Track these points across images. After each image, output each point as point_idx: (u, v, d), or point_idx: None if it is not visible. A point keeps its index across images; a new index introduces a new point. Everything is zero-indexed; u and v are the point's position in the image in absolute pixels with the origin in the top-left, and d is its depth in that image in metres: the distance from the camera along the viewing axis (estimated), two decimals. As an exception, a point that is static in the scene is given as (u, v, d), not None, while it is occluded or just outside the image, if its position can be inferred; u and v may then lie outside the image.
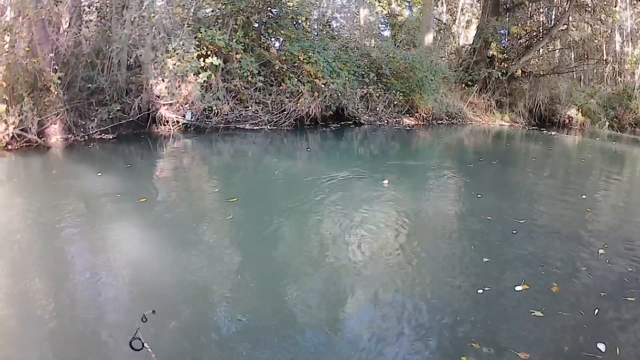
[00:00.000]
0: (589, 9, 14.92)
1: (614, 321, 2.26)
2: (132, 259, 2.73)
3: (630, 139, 14.42)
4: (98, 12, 7.32)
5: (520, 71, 12.47)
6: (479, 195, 4.52)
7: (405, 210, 3.86)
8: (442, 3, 14.62)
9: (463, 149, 8.41)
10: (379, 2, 13.67)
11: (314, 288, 2.50)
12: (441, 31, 13.97)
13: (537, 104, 12.84)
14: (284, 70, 8.60)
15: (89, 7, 7.32)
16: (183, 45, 7.10)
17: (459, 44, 13.85)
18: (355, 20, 11.69)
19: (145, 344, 1.40)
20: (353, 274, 2.61)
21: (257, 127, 7.80)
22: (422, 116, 9.98)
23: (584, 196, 4.81)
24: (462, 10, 14.84)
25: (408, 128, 9.55)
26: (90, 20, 7.16)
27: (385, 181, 4.80)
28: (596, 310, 2.30)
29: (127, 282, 2.49)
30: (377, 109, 9.23)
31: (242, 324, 2.08)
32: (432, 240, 3.29)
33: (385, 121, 9.27)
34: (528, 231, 3.49)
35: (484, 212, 3.89)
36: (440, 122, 10.31)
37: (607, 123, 15.31)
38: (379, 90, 9.43)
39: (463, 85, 11.51)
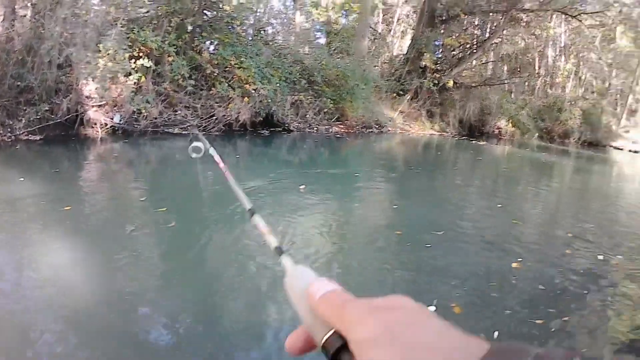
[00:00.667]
0: (524, 24, 17.29)
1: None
2: (48, 275, 2.82)
3: (559, 150, 16.93)
4: (33, 7, 8.01)
5: (452, 82, 14.47)
6: (394, 206, 5.24)
7: (316, 223, 4.22)
8: (378, 13, 16.41)
9: (390, 157, 9.91)
10: (316, 9, 15.20)
11: (240, 297, 2.79)
12: (376, 40, 15.77)
13: (467, 115, 14.95)
14: (215, 74, 9.81)
15: (24, 2, 7.98)
16: (115, 45, 8.07)
17: (392, 53, 15.69)
18: (291, 27, 13.07)
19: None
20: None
21: (186, 132, 8.94)
22: (352, 124, 11.55)
23: (499, 205, 5.64)
24: (397, 20, 16.73)
25: (338, 136, 11.06)
26: (24, 16, 7.86)
27: (302, 186, 5.51)
28: (496, 333, 2.47)
29: (42, 301, 2.56)
30: (307, 116, 10.69)
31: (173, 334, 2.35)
32: (333, 251, 3.58)
33: (315, 128, 10.74)
34: (441, 243, 3.77)
35: (399, 224, 4.37)
36: (370, 130, 11.91)
37: (536, 134, 17.81)
38: (309, 97, 10.88)
39: (394, 94, 13.24)
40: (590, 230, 4.86)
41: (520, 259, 3.45)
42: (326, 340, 0.35)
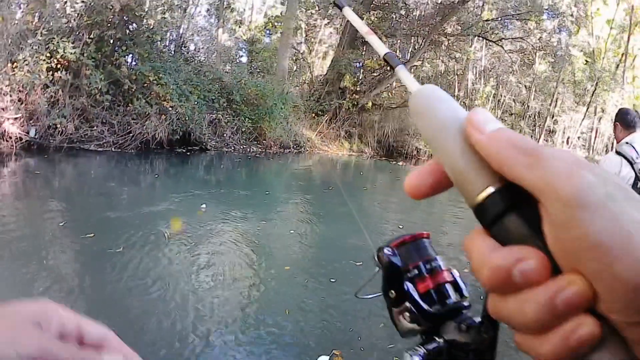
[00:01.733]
0: (445, 47, 20.63)
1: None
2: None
3: None
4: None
5: (371, 103, 17.11)
6: (291, 231, 5.80)
7: (202, 251, 4.62)
8: (301, 33, 18.88)
9: (307, 178, 11.55)
10: (240, 27, 17.31)
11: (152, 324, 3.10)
12: (297, 61, 18.16)
13: (386, 136, 17.65)
14: (133, 90, 11.38)
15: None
16: (32, 56, 9.37)
17: (313, 74, 18.13)
18: (213, 44, 15.00)
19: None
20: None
21: (102, 149, 10.45)
22: (270, 144, 13.61)
23: (401, 226, 6.64)
24: (320, 41, 19.31)
25: (256, 155, 13.02)
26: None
27: (203, 206, 6.22)
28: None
29: None
30: (225, 135, 12.59)
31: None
32: (208, 279, 3.94)
33: (233, 148, 12.65)
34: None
35: (295, 255, 4.83)
36: (288, 150, 14.04)
37: (455, 155, 21.09)
38: (228, 116, 12.79)
39: (314, 114, 15.56)
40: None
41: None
42: (490, 195, 0.29)
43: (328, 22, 19.16)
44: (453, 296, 0.62)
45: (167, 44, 12.92)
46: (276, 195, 8.69)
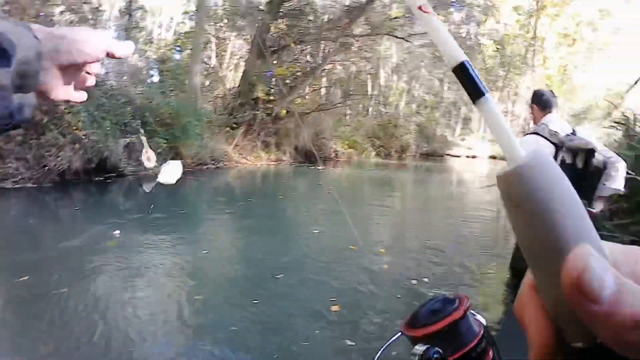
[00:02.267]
0: (355, 49, 22.67)
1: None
2: None
3: (397, 165, 22.46)
4: None
5: (285, 111, 18.78)
6: (205, 251, 5.92)
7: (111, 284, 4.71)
8: (211, 47, 20.24)
9: (224, 193, 12.39)
10: (149, 46, 18.40)
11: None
12: (209, 75, 19.54)
13: (302, 141, 19.43)
14: (45, 121, 12.33)
15: None
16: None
17: (226, 87, 19.59)
18: (123, 66, 16.03)
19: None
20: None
21: (19, 186, 11.41)
22: (188, 162, 14.93)
23: (315, 231, 7.06)
24: (230, 53, 20.77)
25: None
26: None
27: (117, 232, 6.50)
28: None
29: None
30: (141, 159, 13.80)
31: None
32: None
33: (150, 170, 13.89)
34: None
35: (211, 278, 5.00)
36: (206, 166, 15.42)
37: (373, 152, 23.30)
38: (143, 138, 14.00)
39: (229, 128, 17.03)
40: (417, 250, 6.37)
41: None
42: (583, 349, 0.25)
43: (237, 34, 20.59)
44: None
45: (76, 70, 13.74)
46: (194, 214, 9.31)
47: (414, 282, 4.92)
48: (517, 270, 4.64)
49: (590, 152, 3.77)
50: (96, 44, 0.69)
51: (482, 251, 6.57)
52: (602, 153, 3.79)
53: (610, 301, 0.23)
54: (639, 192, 6.66)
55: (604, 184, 3.78)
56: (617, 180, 3.77)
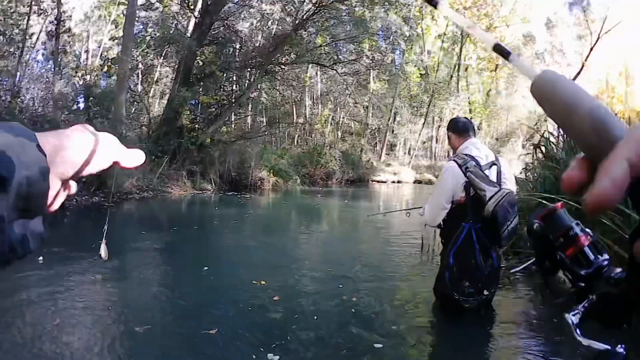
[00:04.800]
0: (279, 77, 24.76)
1: None
2: None
3: (322, 192, 24.35)
4: None
5: (209, 139, 20.37)
6: (114, 289, 5.70)
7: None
8: (137, 74, 21.69)
9: (148, 224, 12.72)
10: (76, 72, 19.57)
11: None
12: (135, 102, 20.93)
13: (228, 170, 21.08)
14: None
15: None
16: None
17: (151, 115, 21.05)
18: (50, 92, 17.13)
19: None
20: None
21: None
22: (112, 192, 16.19)
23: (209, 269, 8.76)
24: (156, 80, 22.32)
25: (100, 206, 15.44)
26: None
27: (40, 258, 6.35)
28: None
29: None
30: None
31: None
32: None
33: (75, 200, 15.06)
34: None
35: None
36: (131, 196, 16.70)
37: (298, 180, 25.29)
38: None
39: (153, 157, 18.41)
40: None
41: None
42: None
43: (164, 61, 22.08)
44: (595, 256, 0.84)
45: (1, 94, 14.58)
46: (114, 247, 10.63)
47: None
48: (439, 293, 4.88)
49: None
50: (105, 155, 0.66)
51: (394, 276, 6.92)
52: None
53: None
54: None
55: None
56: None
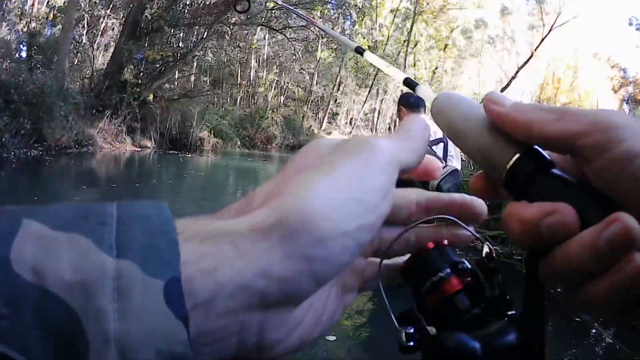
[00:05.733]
0: (228, 37, 25.23)
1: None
2: None
3: (262, 155, 25.27)
4: None
5: (152, 96, 20.80)
6: None
7: None
8: (83, 25, 21.63)
9: (87, 179, 13.05)
10: (20, 19, 19.37)
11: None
12: (79, 54, 20.98)
13: (168, 128, 21.63)
14: None
15: None
16: None
17: (95, 67, 21.20)
18: (-8, 39, 17.05)
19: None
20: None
21: None
22: (51, 145, 16.53)
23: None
24: (102, 32, 22.34)
25: (38, 159, 15.71)
26: None
27: None
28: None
29: None
30: (4, 139, 15.26)
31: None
32: None
33: (13, 153, 15.36)
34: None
35: None
36: (70, 150, 17.05)
37: (239, 142, 26.12)
38: (6, 118, 15.43)
39: (94, 111, 18.76)
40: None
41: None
42: (519, 159, 0.38)
43: (112, 12, 22.08)
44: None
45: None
46: (54, 202, 11.18)
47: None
48: None
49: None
50: None
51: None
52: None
53: (512, 104, 0.39)
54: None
55: None
56: None
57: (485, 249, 0.46)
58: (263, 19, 24.97)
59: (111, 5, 21.91)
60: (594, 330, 4.56)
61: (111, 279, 0.26)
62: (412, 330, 0.44)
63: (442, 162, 4.29)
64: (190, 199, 10.95)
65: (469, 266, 0.47)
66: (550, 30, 37.46)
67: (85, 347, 0.25)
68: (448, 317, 0.45)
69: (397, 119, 5.07)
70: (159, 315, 0.27)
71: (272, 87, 30.86)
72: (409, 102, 4.65)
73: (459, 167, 4.56)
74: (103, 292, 0.26)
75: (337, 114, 39.94)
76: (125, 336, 0.26)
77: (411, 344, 0.43)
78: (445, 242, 0.48)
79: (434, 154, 4.28)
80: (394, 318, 0.47)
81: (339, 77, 36.37)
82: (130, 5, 20.54)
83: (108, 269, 0.27)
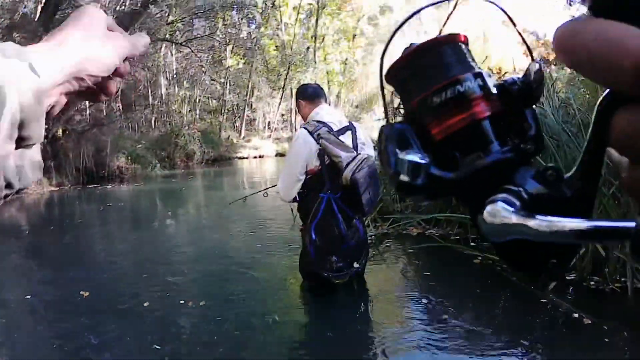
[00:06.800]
0: (131, 59, 24.96)
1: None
2: None
3: (182, 174, 25.03)
4: None
5: (61, 130, 20.43)
6: None
7: None
8: None
9: (1, 231, 11.75)
10: None
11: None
12: None
13: (83, 162, 21.30)
14: None
15: None
16: None
17: None
18: None
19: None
20: None
21: None
22: None
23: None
24: None
25: None
26: None
27: None
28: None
29: None
30: None
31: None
32: None
33: None
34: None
35: None
36: (-19, 202, 16.58)
37: (158, 164, 25.92)
38: None
39: (3, 155, 18.33)
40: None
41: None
42: None
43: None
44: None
45: None
46: None
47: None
48: (306, 272, 4.86)
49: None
50: (111, 57, 0.61)
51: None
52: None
53: None
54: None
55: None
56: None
57: (535, 66, 0.38)
58: (166, 34, 24.87)
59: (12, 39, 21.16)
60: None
61: None
62: (422, 159, 0.36)
63: (352, 151, 4.21)
64: (103, 235, 10.66)
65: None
66: (456, 5, 38.98)
67: None
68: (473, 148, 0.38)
69: (298, 113, 4.83)
70: (30, 75, 0.50)
71: (185, 102, 30.86)
72: (307, 94, 4.59)
73: (372, 154, 4.31)
74: None
75: (254, 119, 40.29)
76: (18, 87, 0.46)
77: (418, 181, 0.36)
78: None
79: (342, 143, 4.27)
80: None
81: (250, 82, 36.71)
82: (28, 39, 20.05)
83: None
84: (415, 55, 0.41)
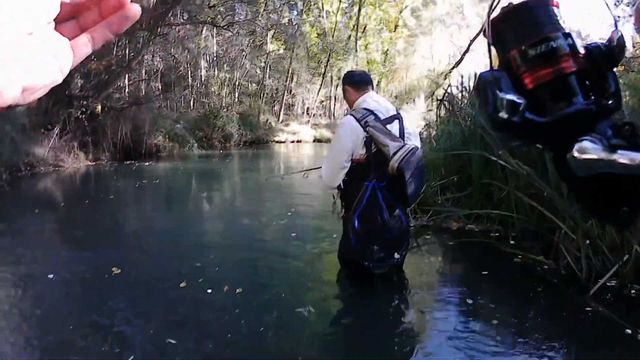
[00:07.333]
0: (173, 39, 25.12)
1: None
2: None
3: (221, 155, 25.05)
4: None
5: (100, 107, 20.63)
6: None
7: None
8: None
9: (41, 202, 11.99)
10: None
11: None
12: None
13: (121, 138, 21.51)
14: None
15: None
16: None
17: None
18: None
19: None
20: None
21: None
22: (1, 170, 16.35)
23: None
24: None
25: None
26: None
27: None
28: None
29: None
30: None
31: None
32: None
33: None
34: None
35: None
36: (20, 173, 16.60)
37: (195, 144, 26.03)
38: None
39: (43, 130, 18.56)
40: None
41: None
42: None
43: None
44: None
45: None
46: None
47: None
48: (345, 260, 4.75)
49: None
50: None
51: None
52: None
53: None
54: (468, 165, 7.59)
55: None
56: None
57: (618, 33, 0.42)
58: (208, 17, 24.84)
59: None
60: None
61: None
62: (519, 99, 0.43)
63: (400, 140, 4.17)
64: (142, 213, 10.53)
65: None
66: (498, -1, 38.11)
67: None
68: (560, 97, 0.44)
69: (344, 99, 4.71)
70: None
71: (224, 84, 30.86)
72: (354, 80, 4.49)
73: (418, 145, 4.30)
74: None
75: (293, 105, 40.16)
76: None
77: (515, 119, 0.43)
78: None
79: (389, 132, 4.19)
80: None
81: (290, 68, 36.54)
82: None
83: None
84: (515, 13, 0.48)
